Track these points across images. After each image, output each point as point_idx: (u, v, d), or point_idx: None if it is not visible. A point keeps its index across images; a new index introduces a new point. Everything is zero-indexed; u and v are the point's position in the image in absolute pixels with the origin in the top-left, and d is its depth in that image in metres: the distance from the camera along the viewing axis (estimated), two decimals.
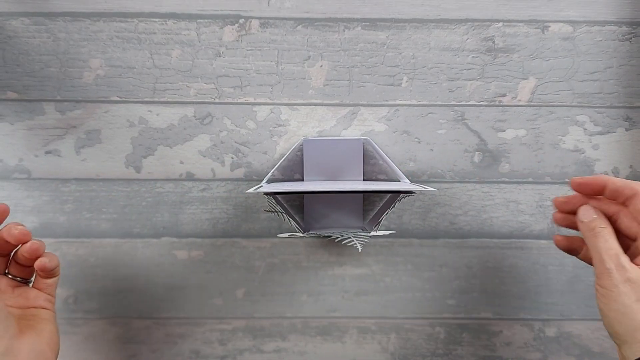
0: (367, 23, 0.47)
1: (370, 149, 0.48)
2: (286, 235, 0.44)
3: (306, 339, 0.50)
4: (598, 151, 0.48)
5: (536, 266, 0.49)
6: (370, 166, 0.48)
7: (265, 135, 0.48)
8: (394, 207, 0.44)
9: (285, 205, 0.48)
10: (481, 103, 0.48)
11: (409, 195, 0.44)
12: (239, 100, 0.47)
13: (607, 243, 0.34)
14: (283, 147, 0.48)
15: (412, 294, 0.50)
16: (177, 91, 0.47)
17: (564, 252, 0.39)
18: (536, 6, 0.47)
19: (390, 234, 0.48)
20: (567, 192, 0.48)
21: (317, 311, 0.50)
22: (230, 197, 0.48)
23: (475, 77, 0.47)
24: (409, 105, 0.48)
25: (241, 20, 0.47)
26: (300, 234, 0.44)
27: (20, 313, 0.36)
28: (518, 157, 0.48)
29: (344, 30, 0.47)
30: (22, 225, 0.35)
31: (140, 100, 0.47)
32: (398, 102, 0.48)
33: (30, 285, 0.38)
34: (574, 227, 0.37)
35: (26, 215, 0.48)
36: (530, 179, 0.49)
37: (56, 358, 0.36)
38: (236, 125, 0.48)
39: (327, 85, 0.47)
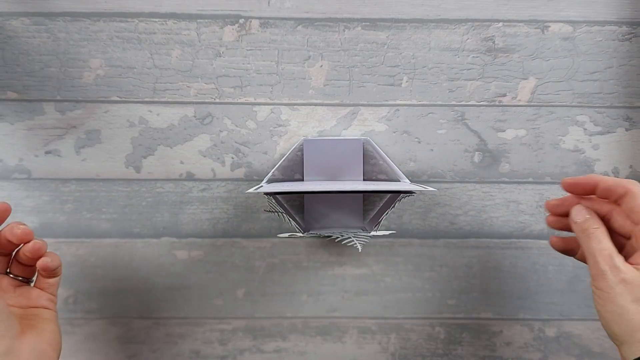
0: (367, 23, 0.48)
1: (370, 149, 0.49)
2: (286, 235, 0.44)
3: (306, 339, 0.51)
4: (598, 151, 0.49)
5: (536, 266, 0.50)
6: (370, 166, 0.49)
7: (266, 135, 0.49)
8: (394, 207, 0.44)
9: (285, 205, 0.49)
10: (481, 103, 0.49)
11: (409, 195, 0.45)
12: (239, 100, 0.48)
13: (600, 244, 0.34)
14: (283, 147, 0.49)
15: (412, 294, 0.51)
16: (177, 91, 0.48)
17: None
18: (536, 6, 0.48)
19: (390, 234, 0.49)
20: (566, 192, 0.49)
21: (317, 311, 0.51)
22: (231, 197, 0.49)
23: (475, 77, 0.48)
24: (409, 105, 0.49)
25: (241, 20, 0.47)
26: (300, 234, 0.45)
27: (22, 313, 0.37)
28: (518, 157, 0.49)
29: (344, 30, 0.48)
30: (25, 224, 0.36)
31: (140, 100, 0.48)
32: (398, 102, 0.49)
33: (32, 284, 0.39)
34: (568, 229, 0.38)
35: (26, 215, 0.49)
36: (530, 179, 0.50)
37: (58, 358, 0.37)
38: (236, 125, 0.49)
39: (327, 85, 0.48)
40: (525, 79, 0.48)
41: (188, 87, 0.48)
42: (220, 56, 0.48)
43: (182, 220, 0.49)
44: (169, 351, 0.50)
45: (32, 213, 0.49)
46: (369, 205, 0.50)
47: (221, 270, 0.50)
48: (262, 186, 0.43)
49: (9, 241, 0.35)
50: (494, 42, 0.48)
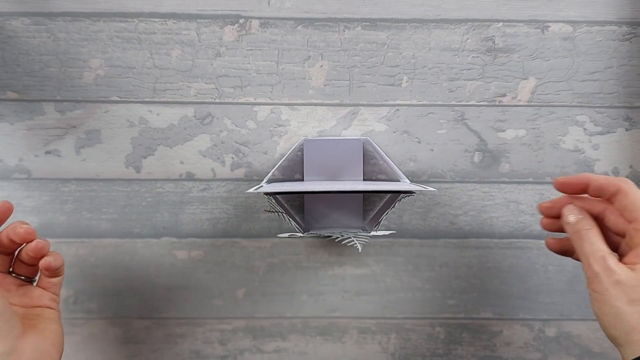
0: (367, 23, 0.49)
1: (370, 149, 0.50)
2: (286, 235, 0.46)
3: (306, 339, 0.52)
4: (598, 151, 0.50)
5: (536, 266, 0.51)
6: (371, 166, 0.50)
7: (266, 135, 0.50)
8: (394, 207, 0.46)
9: (285, 205, 0.50)
10: (481, 103, 0.50)
11: (409, 195, 0.46)
12: (239, 100, 0.49)
13: (593, 246, 0.34)
14: (283, 147, 0.50)
15: (412, 294, 0.52)
16: (177, 91, 0.49)
17: None
18: (536, 6, 0.49)
19: (390, 234, 0.50)
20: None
21: (317, 311, 0.52)
22: (231, 197, 0.50)
23: (475, 77, 0.49)
24: (409, 105, 0.50)
25: (241, 20, 0.49)
26: (301, 234, 0.46)
27: (24, 312, 0.37)
28: (518, 157, 0.50)
29: (344, 30, 0.49)
30: (27, 224, 0.37)
31: (140, 100, 0.49)
32: (398, 102, 0.50)
33: (35, 284, 0.40)
34: (563, 230, 0.38)
35: (26, 215, 0.50)
36: (530, 179, 0.51)
37: (60, 358, 0.37)
38: (236, 125, 0.50)
39: (328, 85, 0.49)
40: (525, 79, 0.50)
41: (188, 87, 0.49)
42: (220, 56, 0.49)
43: (182, 220, 0.50)
44: (169, 351, 0.52)
45: (32, 213, 0.50)
46: (369, 205, 0.51)
47: (221, 270, 0.51)
48: (262, 186, 0.44)
49: (12, 240, 0.36)
50: (494, 42, 0.49)
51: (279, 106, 0.50)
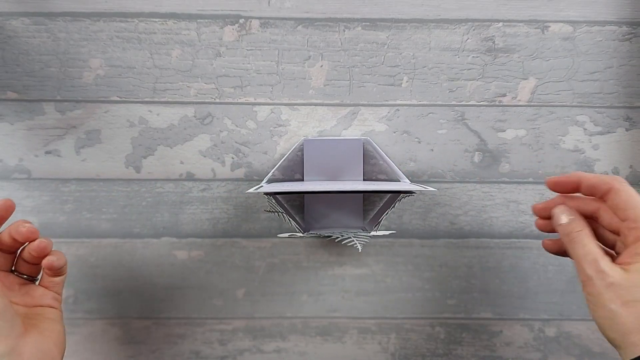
0: (367, 23, 0.50)
1: (370, 149, 0.51)
2: (286, 235, 0.47)
3: (306, 339, 0.53)
4: (598, 151, 0.52)
5: (536, 266, 0.53)
6: (371, 166, 0.51)
7: (266, 135, 0.51)
8: (394, 207, 0.47)
9: (285, 205, 0.52)
10: (481, 103, 0.51)
11: (409, 195, 0.47)
12: (239, 100, 0.51)
13: (584, 248, 0.34)
14: (283, 147, 0.51)
15: (412, 294, 0.53)
16: (177, 91, 0.50)
17: None
18: (536, 6, 0.50)
19: (390, 234, 0.52)
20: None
21: (317, 311, 0.53)
22: (231, 197, 0.52)
23: (475, 77, 0.51)
24: (409, 105, 0.51)
25: (241, 20, 0.50)
26: (301, 234, 0.47)
27: (26, 311, 0.38)
28: (518, 157, 0.52)
29: (344, 30, 0.50)
30: (30, 222, 0.37)
31: (140, 100, 0.50)
32: (398, 102, 0.51)
33: (37, 283, 0.40)
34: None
35: (26, 216, 0.51)
36: (530, 179, 0.52)
37: (62, 358, 0.38)
38: (236, 125, 0.51)
39: (328, 85, 0.51)
40: (525, 79, 0.51)
41: (188, 87, 0.50)
42: (220, 56, 0.50)
43: (182, 220, 0.52)
44: (169, 351, 0.53)
45: (32, 213, 0.51)
46: (369, 205, 0.52)
47: (221, 270, 0.52)
48: (262, 186, 0.45)
49: (14, 239, 0.37)
50: (494, 42, 0.50)
51: (279, 106, 0.51)
